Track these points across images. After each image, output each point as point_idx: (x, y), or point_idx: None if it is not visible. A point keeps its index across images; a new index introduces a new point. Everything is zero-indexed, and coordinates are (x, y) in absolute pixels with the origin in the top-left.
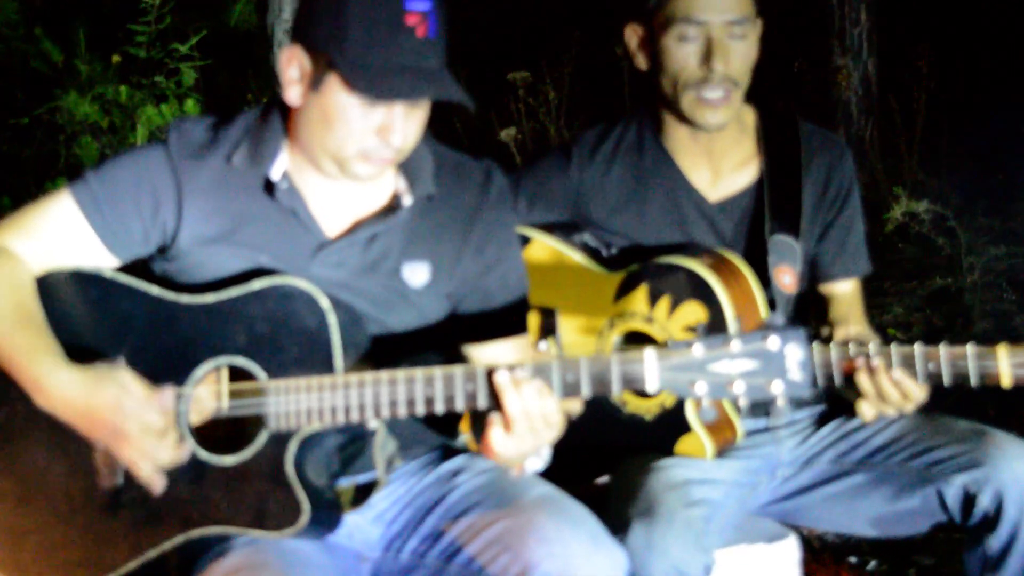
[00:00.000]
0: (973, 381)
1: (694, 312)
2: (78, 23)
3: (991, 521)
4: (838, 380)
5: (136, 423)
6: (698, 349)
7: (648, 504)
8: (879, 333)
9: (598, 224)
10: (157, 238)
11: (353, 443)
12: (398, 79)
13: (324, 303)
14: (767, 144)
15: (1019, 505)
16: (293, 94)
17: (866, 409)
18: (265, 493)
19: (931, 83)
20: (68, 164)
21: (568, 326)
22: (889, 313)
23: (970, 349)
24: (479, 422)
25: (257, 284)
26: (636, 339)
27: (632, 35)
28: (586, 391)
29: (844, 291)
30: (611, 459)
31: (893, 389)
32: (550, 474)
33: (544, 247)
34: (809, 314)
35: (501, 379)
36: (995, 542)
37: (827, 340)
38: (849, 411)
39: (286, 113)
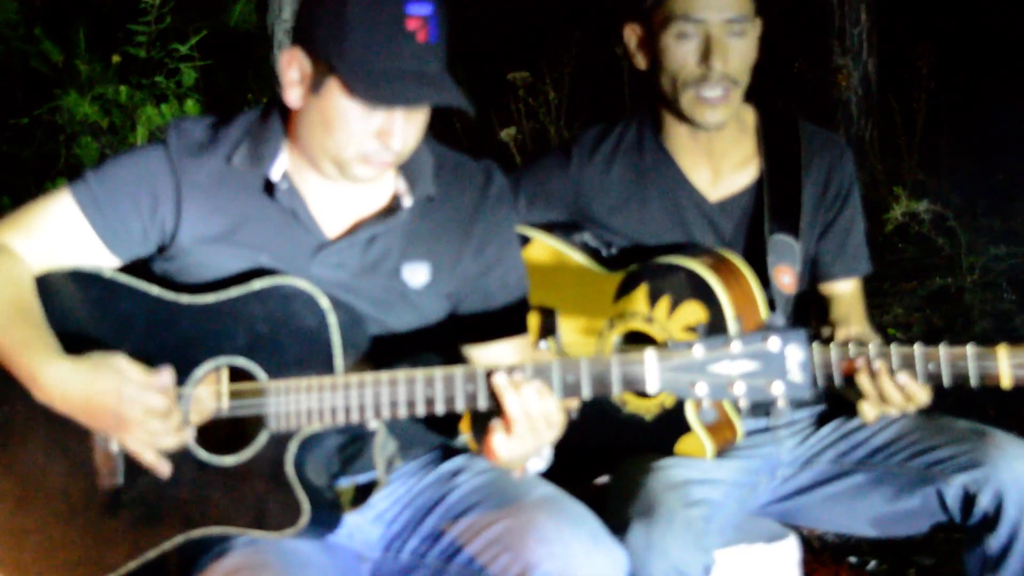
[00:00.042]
0: (973, 381)
1: (694, 312)
2: (78, 23)
3: (991, 521)
4: (838, 381)
5: (138, 407)
6: (698, 350)
7: (648, 504)
8: (879, 333)
9: (598, 224)
10: (156, 237)
11: (353, 443)
12: (399, 84)
13: (324, 303)
14: (767, 144)
15: (1019, 505)
16: (293, 96)
17: (867, 410)
18: (265, 493)
19: (931, 83)
20: (68, 164)
21: (568, 326)
22: (889, 313)
23: (970, 349)
24: (479, 422)
25: (257, 284)
26: (636, 339)
27: (631, 34)
28: (586, 392)
29: (845, 291)
30: (611, 459)
31: (895, 391)
32: (550, 474)
33: (544, 247)
34: (809, 314)
35: (500, 381)
36: (995, 542)
37: (827, 340)
38: (849, 411)
39: (286, 114)
